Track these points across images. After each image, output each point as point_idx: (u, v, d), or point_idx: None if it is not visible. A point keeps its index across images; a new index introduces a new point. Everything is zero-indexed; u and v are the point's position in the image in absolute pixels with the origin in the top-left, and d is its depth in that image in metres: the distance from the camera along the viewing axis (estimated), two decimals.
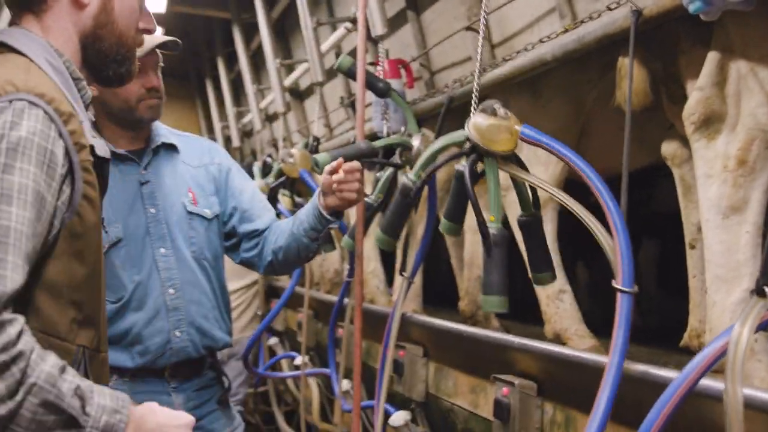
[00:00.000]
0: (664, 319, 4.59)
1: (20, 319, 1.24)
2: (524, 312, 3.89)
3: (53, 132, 1.35)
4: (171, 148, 2.61)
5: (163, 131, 2.65)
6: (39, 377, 1.21)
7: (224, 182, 2.66)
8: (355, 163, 2.31)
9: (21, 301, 1.28)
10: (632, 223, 4.59)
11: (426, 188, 3.24)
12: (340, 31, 4.41)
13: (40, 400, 1.21)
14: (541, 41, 2.80)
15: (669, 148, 2.60)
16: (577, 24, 2.61)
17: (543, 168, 3.14)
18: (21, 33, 1.49)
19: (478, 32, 3.21)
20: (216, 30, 7.39)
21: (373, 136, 3.90)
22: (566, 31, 2.65)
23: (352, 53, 4.57)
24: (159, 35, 2.60)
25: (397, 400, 3.53)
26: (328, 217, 2.45)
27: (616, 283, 1.91)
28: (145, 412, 1.38)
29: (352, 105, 4.84)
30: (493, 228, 2.18)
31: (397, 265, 4.11)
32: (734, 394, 1.45)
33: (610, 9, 2.41)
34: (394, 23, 3.87)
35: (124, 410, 1.34)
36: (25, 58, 1.44)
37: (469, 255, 3.67)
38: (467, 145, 2.26)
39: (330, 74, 4.89)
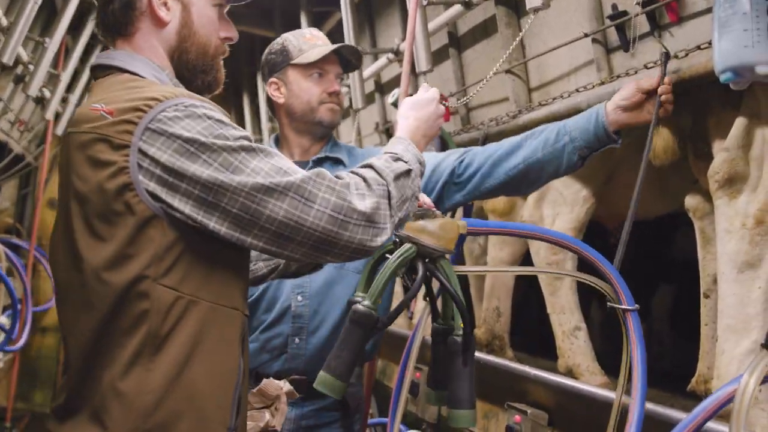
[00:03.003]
0: (674, 364, 4.70)
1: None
2: (539, 345, 4.03)
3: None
4: (336, 161, 2.65)
5: (337, 146, 2.70)
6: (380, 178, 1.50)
7: None
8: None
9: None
10: (650, 268, 4.75)
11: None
12: (382, 60, 4.59)
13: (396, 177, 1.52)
14: (577, 90, 2.95)
15: (692, 202, 2.74)
16: (613, 78, 2.76)
17: (568, 209, 3.28)
18: (123, 54, 1.61)
19: (517, 75, 3.39)
20: (258, 47, 7.57)
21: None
22: (602, 83, 2.80)
23: (391, 82, 4.77)
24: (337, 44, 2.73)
25: (408, 420, 3.66)
26: (613, 135, 2.38)
27: (622, 305, 1.95)
28: (410, 123, 1.79)
29: (387, 131, 5.01)
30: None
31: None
32: None
33: (646, 67, 2.56)
34: (436, 58, 4.04)
35: (404, 140, 1.67)
36: (137, 76, 1.55)
37: (489, 286, 3.80)
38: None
39: (368, 99, 5.06)
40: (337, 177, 1.44)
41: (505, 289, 3.76)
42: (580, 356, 3.20)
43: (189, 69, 1.64)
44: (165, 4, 1.59)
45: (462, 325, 1.81)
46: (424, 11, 3.52)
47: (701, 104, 2.52)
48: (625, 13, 2.68)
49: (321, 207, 1.37)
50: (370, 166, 1.52)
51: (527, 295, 5.86)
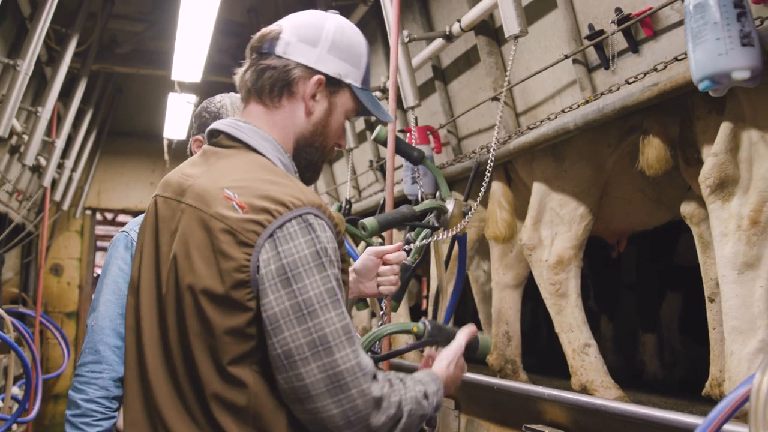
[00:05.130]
0: (689, 371, 4.71)
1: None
2: (553, 366, 4.05)
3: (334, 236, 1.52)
4: None
5: None
6: (404, 407, 1.49)
7: None
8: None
9: None
10: (656, 276, 4.76)
11: (456, 245, 3.43)
12: None
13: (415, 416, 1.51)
14: (563, 111, 3.01)
15: (687, 208, 2.78)
16: (596, 96, 2.82)
17: (566, 227, 3.32)
18: (252, 131, 1.61)
19: (504, 102, 3.45)
20: None
21: (402, 198, 4.11)
22: (587, 102, 2.87)
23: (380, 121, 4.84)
24: None
25: None
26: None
27: None
28: (449, 372, 1.70)
29: (381, 168, 5.07)
30: None
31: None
32: None
33: (628, 83, 2.63)
34: (423, 91, 4.12)
35: (439, 383, 1.62)
36: (265, 159, 1.58)
37: (496, 311, 3.83)
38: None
39: (360, 138, 5.13)
40: (375, 377, 1.46)
41: (512, 313, 3.79)
42: (592, 372, 3.21)
43: (306, 161, 1.68)
44: (315, 96, 1.63)
45: (415, 329, 1.96)
46: (407, 48, 3.61)
47: (687, 112, 2.58)
48: (602, 32, 2.76)
49: (343, 400, 1.42)
50: (404, 386, 1.53)
51: (536, 317, 5.88)
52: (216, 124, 1.65)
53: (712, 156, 2.36)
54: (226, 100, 2.38)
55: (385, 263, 2.01)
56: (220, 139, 1.63)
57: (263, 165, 1.57)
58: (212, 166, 1.58)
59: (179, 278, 1.50)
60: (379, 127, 3.05)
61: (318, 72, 1.62)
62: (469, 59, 3.75)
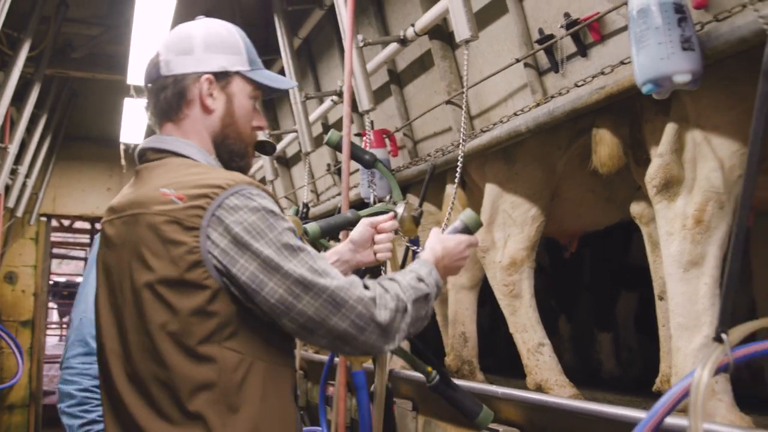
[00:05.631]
0: (645, 370, 4.78)
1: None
2: (510, 366, 4.09)
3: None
4: None
5: None
6: (402, 296, 1.63)
7: None
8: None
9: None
10: (609, 276, 4.84)
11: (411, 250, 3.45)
12: (327, 103, 4.68)
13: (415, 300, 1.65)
14: (515, 114, 3.06)
15: (637, 208, 2.84)
16: (547, 99, 2.87)
17: (519, 229, 3.37)
18: (174, 140, 1.75)
19: (458, 106, 3.49)
20: None
21: (360, 202, 4.13)
22: (538, 105, 2.91)
23: (338, 123, 4.86)
24: None
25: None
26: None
27: None
28: (437, 250, 1.85)
29: (339, 172, 5.08)
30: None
31: None
32: (696, 430, 1.65)
33: (577, 86, 2.68)
34: (378, 95, 4.15)
35: (429, 264, 1.77)
36: (192, 160, 1.71)
37: (453, 313, 3.86)
38: None
39: (317, 142, 5.13)
40: (365, 287, 1.59)
41: (468, 314, 3.82)
42: (547, 371, 3.26)
43: (228, 153, 1.80)
44: (211, 94, 1.76)
45: (430, 369, 2.24)
46: (362, 52, 3.62)
47: (636, 114, 2.63)
48: (551, 36, 2.81)
49: (347, 313, 1.55)
50: (395, 282, 1.67)
51: (494, 318, 5.94)
52: (141, 145, 1.78)
53: (658, 157, 2.42)
54: None
55: (379, 232, 2.16)
56: (148, 155, 1.75)
57: (192, 164, 1.69)
58: (146, 178, 1.70)
59: (135, 281, 1.59)
60: (331, 131, 3.06)
61: (203, 72, 1.75)
62: (423, 63, 3.79)
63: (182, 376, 1.54)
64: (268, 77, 1.84)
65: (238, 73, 1.78)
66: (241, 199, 1.58)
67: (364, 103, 3.57)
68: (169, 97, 1.75)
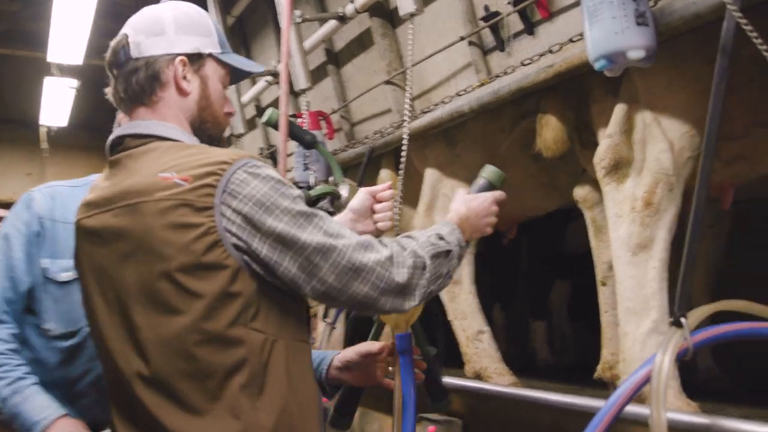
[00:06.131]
0: (579, 357, 4.79)
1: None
2: (448, 354, 4.01)
3: None
4: None
5: None
6: (420, 251, 1.61)
7: None
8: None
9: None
10: (545, 264, 4.83)
11: None
12: (261, 84, 4.51)
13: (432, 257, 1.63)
14: (458, 94, 2.96)
15: (581, 192, 2.78)
16: (492, 78, 2.79)
17: None
18: (154, 123, 1.66)
19: (398, 86, 3.38)
20: None
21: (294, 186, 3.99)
22: (482, 85, 2.83)
23: (271, 105, 4.70)
24: None
25: None
26: (329, 390, 2.16)
27: None
28: (461, 211, 1.82)
29: (272, 156, 4.92)
30: None
31: (320, 312, 4.17)
32: (659, 419, 1.59)
33: (523, 64, 2.60)
34: (315, 76, 4.00)
35: (451, 224, 1.75)
36: (181, 142, 1.62)
37: None
38: None
39: (250, 125, 4.96)
40: (383, 245, 1.59)
41: None
42: (486, 359, 3.20)
43: (206, 137, 1.73)
44: (185, 77, 1.69)
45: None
46: (299, 29, 3.49)
47: (584, 95, 2.57)
48: (497, 13, 2.72)
49: (367, 276, 1.54)
50: (413, 239, 1.66)
51: (428, 304, 5.85)
52: (115, 134, 1.67)
53: (607, 137, 2.36)
54: None
55: (378, 201, 2.10)
56: (127, 143, 1.66)
57: (184, 146, 1.61)
58: (133, 167, 1.61)
59: (147, 274, 1.52)
60: (270, 110, 2.91)
61: (177, 54, 1.68)
62: (363, 42, 3.67)
63: (212, 365, 1.50)
64: (239, 60, 1.78)
65: (210, 55, 1.72)
66: (250, 171, 1.53)
67: (301, 82, 3.44)
68: (142, 80, 1.67)
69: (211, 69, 1.73)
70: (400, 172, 2.71)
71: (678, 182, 2.29)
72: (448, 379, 2.71)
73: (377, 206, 2.11)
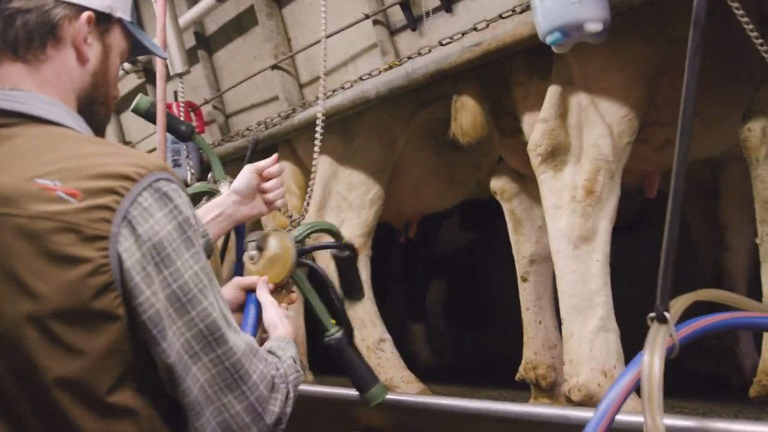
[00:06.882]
0: (458, 356, 4.70)
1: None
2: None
3: None
4: None
5: None
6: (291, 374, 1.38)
7: None
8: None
9: None
10: (420, 265, 4.69)
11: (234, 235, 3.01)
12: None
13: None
14: (361, 78, 2.71)
15: (498, 183, 2.61)
16: (402, 60, 2.56)
17: (355, 213, 3.06)
18: (30, 97, 1.27)
19: (285, 71, 3.08)
20: None
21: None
22: (391, 67, 2.59)
23: (131, 94, 4.23)
24: None
25: None
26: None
27: None
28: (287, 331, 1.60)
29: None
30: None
31: None
32: (655, 426, 1.41)
33: (441, 44, 2.38)
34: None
35: (291, 343, 1.52)
36: (65, 128, 1.27)
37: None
38: None
39: None
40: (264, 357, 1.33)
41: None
42: (391, 369, 2.99)
43: (92, 120, 1.37)
44: (86, 39, 1.34)
45: (334, 321, 2.05)
46: (173, 5, 3.10)
47: (503, 78, 2.39)
48: None
49: (250, 397, 1.26)
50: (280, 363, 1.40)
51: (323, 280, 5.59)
52: None
53: (542, 122, 2.19)
54: None
55: (266, 178, 1.89)
56: None
57: (68, 136, 1.26)
58: None
59: (7, 313, 1.15)
60: (139, 96, 2.53)
61: (85, 8, 1.34)
62: (241, 24, 3.33)
63: None
64: (143, 35, 1.48)
65: (120, 21, 1.40)
66: (156, 197, 1.19)
67: (177, 64, 3.06)
68: (32, 26, 1.29)
69: (116, 38, 1.40)
70: (315, 154, 2.44)
71: (618, 169, 2.16)
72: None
73: (266, 184, 1.90)
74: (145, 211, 1.18)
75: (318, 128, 2.36)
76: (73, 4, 1.32)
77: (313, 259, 2.78)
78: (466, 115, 2.48)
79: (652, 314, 1.57)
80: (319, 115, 2.35)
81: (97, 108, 1.39)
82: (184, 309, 1.18)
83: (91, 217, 1.15)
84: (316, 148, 2.38)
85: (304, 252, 2.10)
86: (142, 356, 1.18)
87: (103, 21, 1.37)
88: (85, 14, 1.32)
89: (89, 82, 1.36)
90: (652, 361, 1.49)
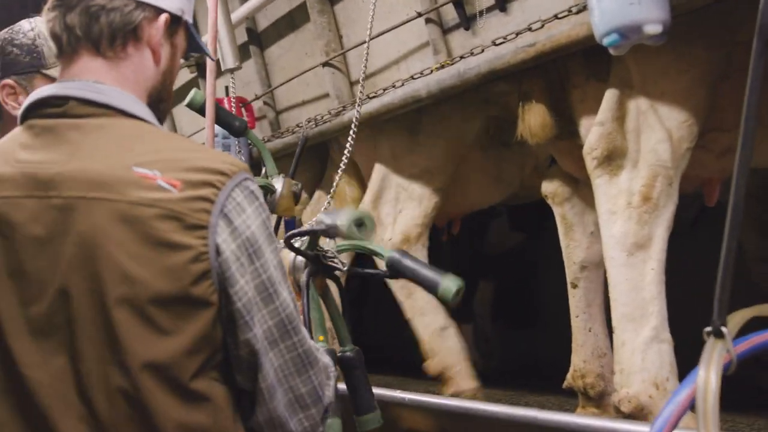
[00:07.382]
0: (505, 359, 4.65)
1: None
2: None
3: None
4: None
5: None
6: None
7: None
8: None
9: None
10: (467, 265, 4.64)
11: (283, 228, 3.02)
12: None
13: None
14: (412, 77, 2.68)
15: (550, 187, 2.56)
16: (454, 60, 2.52)
17: (416, 203, 3.04)
18: (116, 92, 1.30)
19: (338, 69, 3.07)
20: None
21: None
22: (443, 66, 2.55)
23: (184, 89, 4.27)
24: None
25: None
26: None
27: None
28: None
29: None
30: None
31: None
32: None
33: (495, 44, 2.34)
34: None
35: None
36: (148, 124, 1.30)
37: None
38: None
39: None
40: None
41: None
42: (450, 357, 3.03)
43: (158, 116, 1.39)
44: (159, 41, 1.36)
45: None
46: (225, 0, 3.11)
47: (559, 79, 2.34)
48: None
49: (314, 381, 1.30)
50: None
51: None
52: (57, 90, 1.28)
53: (598, 125, 2.13)
54: (39, 26, 1.84)
55: None
56: (71, 108, 1.27)
57: (152, 130, 1.30)
58: (80, 144, 1.24)
59: (99, 295, 1.17)
60: (193, 91, 2.53)
61: (163, 10, 1.35)
62: (293, 20, 3.32)
63: (170, 422, 1.18)
64: (197, 36, 1.48)
65: (186, 23, 1.42)
66: (246, 193, 1.25)
67: (228, 60, 3.07)
68: (116, 24, 1.31)
69: (181, 38, 1.42)
70: (345, 157, 2.42)
71: (676, 175, 2.09)
72: (415, 397, 2.44)
73: None
74: (238, 206, 1.23)
75: (351, 132, 2.35)
76: (152, 6, 1.34)
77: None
78: (535, 116, 2.43)
79: (708, 328, 1.52)
80: (354, 120, 2.33)
81: (163, 105, 1.43)
82: (270, 299, 1.24)
83: (193, 207, 1.19)
84: (348, 147, 2.36)
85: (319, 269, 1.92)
86: (223, 345, 1.23)
87: (174, 23, 1.39)
88: (163, 17, 1.35)
89: (160, 80, 1.39)
90: (708, 378, 1.43)
